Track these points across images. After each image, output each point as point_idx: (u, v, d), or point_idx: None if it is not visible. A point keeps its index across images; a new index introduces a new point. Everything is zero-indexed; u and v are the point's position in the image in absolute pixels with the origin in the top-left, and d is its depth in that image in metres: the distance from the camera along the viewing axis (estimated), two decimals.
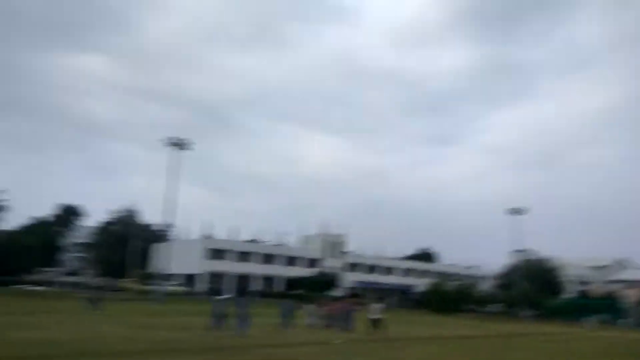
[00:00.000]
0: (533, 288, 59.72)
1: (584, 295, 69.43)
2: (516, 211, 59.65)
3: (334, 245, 74.10)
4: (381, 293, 69.40)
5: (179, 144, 49.23)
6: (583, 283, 79.25)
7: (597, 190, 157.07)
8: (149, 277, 59.02)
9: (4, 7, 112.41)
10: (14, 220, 76.18)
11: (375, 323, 20.84)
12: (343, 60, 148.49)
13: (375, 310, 21.62)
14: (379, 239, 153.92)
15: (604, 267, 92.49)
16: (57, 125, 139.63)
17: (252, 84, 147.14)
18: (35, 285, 47.34)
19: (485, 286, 71.70)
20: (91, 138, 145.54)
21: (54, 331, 15.13)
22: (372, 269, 77.63)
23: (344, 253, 75.04)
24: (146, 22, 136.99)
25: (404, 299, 73.12)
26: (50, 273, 59.35)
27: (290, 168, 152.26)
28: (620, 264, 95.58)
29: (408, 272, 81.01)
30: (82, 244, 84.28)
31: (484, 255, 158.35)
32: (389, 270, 79.35)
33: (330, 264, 71.43)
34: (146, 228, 75.53)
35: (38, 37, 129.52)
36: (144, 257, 67.92)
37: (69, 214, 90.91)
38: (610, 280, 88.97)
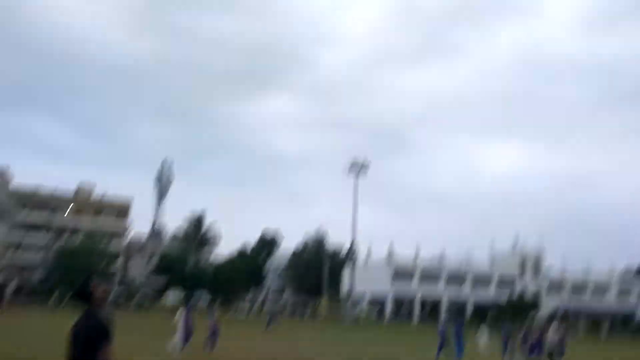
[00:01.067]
0: None
1: None
2: None
3: (531, 262, 67.06)
4: (592, 318, 60.10)
5: (358, 168, 51.27)
6: None
7: None
8: (339, 301, 61.80)
9: (207, 67, 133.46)
10: (225, 248, 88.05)
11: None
12: (524, 56, 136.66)
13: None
14: (584, 255, 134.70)
15: None
16: (253, 162, 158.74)
17: (425, 99, 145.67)
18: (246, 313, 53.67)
19: None
20: (282, 170, 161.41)
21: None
22: (578, 289, 67.79)
23: (542, 271, 67.39)
24: (320, 56, 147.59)
25: (623, 325, 61.68)
26: (255, 295, 66.85)
27: (471, 182, 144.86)
28: None
29: (627, 292, 68.56)
30: (281, 268, 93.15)
31: None
32: (600, 291, 68.32)
33: (527, 284, 64.72)
34: (335, 252, 79.84)
35: (228, 85, 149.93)
36: (333, 280, 71.63)
37: (269, 242, 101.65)
38: None
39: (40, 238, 63.11)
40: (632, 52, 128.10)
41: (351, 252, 60.11)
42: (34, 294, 49.08)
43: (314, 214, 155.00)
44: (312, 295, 69.09)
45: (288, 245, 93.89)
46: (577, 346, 34.65)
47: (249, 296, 67.22)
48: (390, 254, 68.67)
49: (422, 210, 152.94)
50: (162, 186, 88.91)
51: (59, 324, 14.86)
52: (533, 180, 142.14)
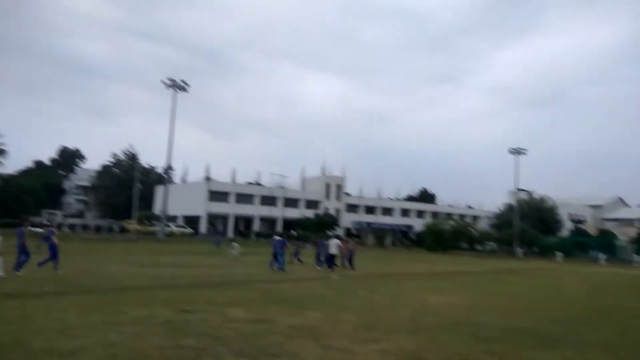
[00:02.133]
0: (529, 226, 60.84)
1: (579, 233, 70.81)
2: (516, 151, 59.73)
3: (334, 187, 74.78)
4: (380, 233, 71.04)
5: (176, 86, 48.63)
6: (579, 222, 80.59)
7: (598, 130, 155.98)
8: (151, 219, 60.16)
9: None
10: (13, 164, 76.25)
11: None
12: None
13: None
14: (378, 181, 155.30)
15: (600, 206, 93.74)
16: (52, 66, 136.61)
17: (250, 22, 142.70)
18: (38, 227, 48.23)
19: (483, 225, 73.00)
20: (87, 79, 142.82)
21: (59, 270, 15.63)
22: (371, 210, 78.78)
23: (343, 195, 75.90)
24: None
25: (402, 238, 74.82)
26: (53, 215, 60.44)
27: (288, 109, 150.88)
28: (617, 203, 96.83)
29: (407, 212, 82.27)
30: (83, 186, 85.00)
31: (483, 195, 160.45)
32: (388, 211, 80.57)
33: (330, 206, 72.48)
34: (147, 171, 76.11)
35: None
36: (145, 199, 68.83)
37: (69, 157, 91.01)
38: (606, 218, 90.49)
39: None
40: (437, 3, 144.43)
41: (166, 172, 58.28)
42: None
43: (125, 130, 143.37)
44: (122, 215, 65.67)
45: (93, 163, 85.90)
46: (368, 253, 40.77)
47: (44, 216, 60.39)
48: (206, 176, 68.74)
49: (240, 134, 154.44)
50: None
51: None
52: (343, 114, 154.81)
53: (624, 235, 65.57)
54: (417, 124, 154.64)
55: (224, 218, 65.72)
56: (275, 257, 19.81)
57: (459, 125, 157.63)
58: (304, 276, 17.96)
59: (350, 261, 22.77)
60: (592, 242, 59.89)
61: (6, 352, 5.70)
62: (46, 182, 70.38)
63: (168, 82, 48.46)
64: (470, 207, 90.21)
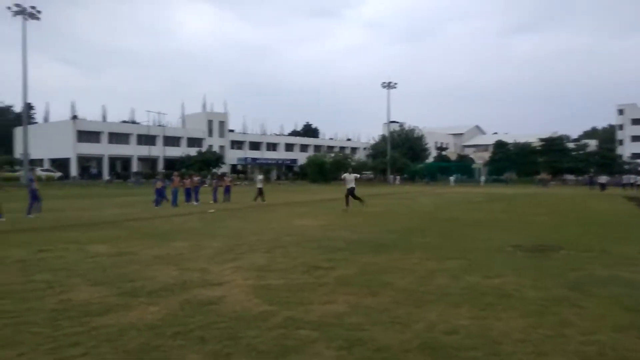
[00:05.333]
0: (400, 155, 66.08)
1: (442, 159, 78.64)
2: (388, 85, 63.26)
3: (218, 123, 73.25)
4: (266, 168, 72.09)
5: (25, 13, 42.73)
6: (442, 149, 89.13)
7: (460, 64, 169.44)
8: (12, 164, 54.36)
9: None
10: None
11: (260, 192, 23.65)
12: None
13: (259, 181, 24.57)
14: (262, 117, 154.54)
15: (461, 134, 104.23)
16: None
17: None
18: None
19: (361, 156, 77.54)
20: None
21: None
22: (256, 146, 79.08)
23: (227, 131, 74.86)
24: None
25: (288, 172, 76.85)
26: None
27: (161, 41, 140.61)
28: (475, 131, 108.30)
29: (291, 147, 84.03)
30: None
31: (361, 128, 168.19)
32: (273, 147, 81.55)
33: (214, 143, 71.27)
34: (2, 110, 67.40)
35: None
36: (3, 142, 61.50)
37: None
38: (465, 145, 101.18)
39: None
40: None
41: (25, 110, 52.21)
42: None
43: None
44: None
45: None
46: (251, 187, 41.46)
47: None
48: (72, 114, 62.95)
49: (108, 67, 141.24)
50: None
51: None
52: (223, 46, 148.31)
53: (480, 159, 74.39)
54: (298, 59, 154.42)
55: (97, 159, 61.57)
56: (161, 195, 20.25)
57: (338, 60, 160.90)
58: (179, 212, 18.17)
59: (228, 195, 23.56)
60: (453, 167, 67.22)
61: None
62: None
63: (15, 8, 42.35)
64: (349, 140, 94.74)
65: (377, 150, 73.20)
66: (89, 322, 4.78)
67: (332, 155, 65.50)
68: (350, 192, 18.56)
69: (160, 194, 20.50)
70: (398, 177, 60.89)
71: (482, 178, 57.85)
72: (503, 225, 13.73)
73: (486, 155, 73.38)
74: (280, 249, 9.28)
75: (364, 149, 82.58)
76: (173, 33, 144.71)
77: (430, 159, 78.02)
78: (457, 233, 11.85)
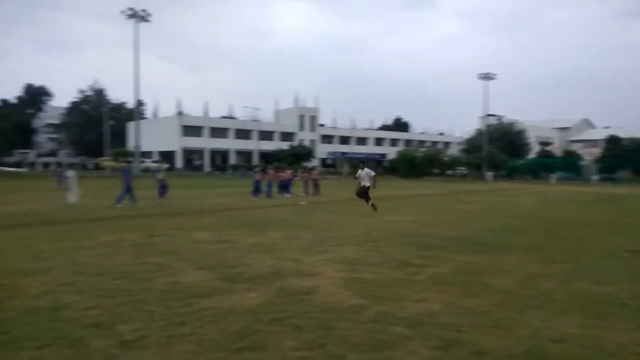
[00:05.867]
0: (498, 150, 62.70)
1: (545, 155, 73.33)
2: (486, 77, 60.20)
3: (309, 118, 74.76)
4: (354, 162, 72.29)
5: (138, 16, 46.65)
6: (546, 144, 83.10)
7: (566, 53, 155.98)
8: (124, 155, 59.84)
9: None
10: None
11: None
12: None
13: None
14: (352, 111, 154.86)
15: (567, 128, 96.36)
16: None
17: None
18: (11, 167, 47.74)
19: (454, 151, 74.82)
20: (42, 11, 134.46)
21: (29, 205, 16.10)
22: (345, 140, 79.54)
23: (318, 126, 76.12)
24: None
25: (377, 167, 76.46)
26: (25, 155, 59.54)
27: (259, 40, 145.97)
28: (583, 125, 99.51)
29: (381, 141, 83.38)
30: (54, 125, 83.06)
31: (455, 121, 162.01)
32: (362, 141, 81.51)
33: (305, 137, 72.86)
34: (117, 107, 74.44)
35: None
36: (118, 136, 67.95)
37: (35, 95, 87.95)
38: (572, 140, 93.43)
39: None
40: None
41: (137, 107, 57.15)
42: None
43: (90, 65, 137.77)
44: (95, 153, 65.02)
45: (61, 100, 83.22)
46: (340, 181, 41.93)
47: (17, 156, 59.39)
48: (178, 110, 67.77)
49: (210, 66, 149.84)
50: None
51: None
52: (315, 41, 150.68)
53: (589, 155, 68.31)
54: (390, 51, 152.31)
55: (199, 152, 65.76)
56: (257, 187, 21.15)
57: (432, 52, 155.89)
58: (273, 204, 18.83)
59: (316, 188, 23.96)
60: (558, 163, 62.35)
61: None
62: (15, 121, 68.44)
63: (128, 11, 46.45)
64: (442, 134, 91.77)
65: (472, 145, 70.20)
66: (195, 303, 5.12)
67: (424, 150, 63.95)
68: (364, 191, 15.45)
69: (257, 186, 21.39)
70: (491, 174, 57.91)
71: (595, 177, 52.94)
72: (618, 227, 12.48)
73: (596, 151, 67.25)
74: (370, 243, 9.25)
75: (458, 143, 79.59)
76: (269, 31, 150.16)
77: (532, 155, 73.20)
78: (564, 234, 10.99)
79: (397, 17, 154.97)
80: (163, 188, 18.42)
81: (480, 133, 70.54)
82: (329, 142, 77.18)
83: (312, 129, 74.84)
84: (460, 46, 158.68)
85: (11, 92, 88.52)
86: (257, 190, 21.34)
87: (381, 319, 4.71)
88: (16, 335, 4.10)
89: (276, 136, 71.27)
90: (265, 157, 65.36)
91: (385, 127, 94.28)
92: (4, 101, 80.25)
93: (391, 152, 74.48)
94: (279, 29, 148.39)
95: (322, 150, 74.24)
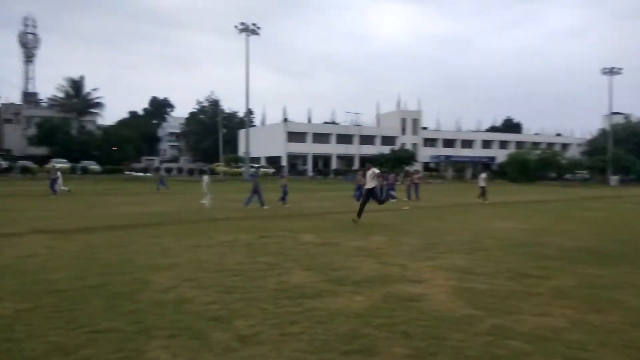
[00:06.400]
0: (625, 152, 56.37)
1: None
2: (610, 71, 54.41)
3: (410, 122, 73.49)
4: (460, 165, 69.54)
5: (249, 30, 49.42)
6: None
7: None
8: (237, 161, 63.69)
9: None
10: (110, 115, 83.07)
11: (483, 191, 23.02)
12: None
13: (482, 179, 23.49)
14: (458, 112, 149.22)
15: None
16: (134, 20, 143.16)
17: None
18: (139, 172, 53.06)
19: (574, 153, 68.68)
20: (166, 31, 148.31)
21: (157, 206, 17.76)
22: (450, 143, 76.86)
23: (420, 129, 74.50)
24: None
25: (484, 170, 72.78)
26: (151, 161, 65.96)
27: (361, 44, 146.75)
28: None
29: (489, 144, 79.25)
30: (175, 133, 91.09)
31: (574, 121, 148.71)
32: (468, 144, 78.15)
33: (407, 141, 71.70)
34: (230, 115, 79.69)
35: None
36: (230, 143, 72.62)
37: (159, 107, 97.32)
38: None
39: None
40: None
41: (247, 116, 60.57)
42: None
43: (203, 78, 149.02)
44: (211, 159, 70.06)
45: (181, 111, 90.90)
46: (444, 185, 40.57)
47: (143, 163, 66.02)
48: (283, 117, 70.63)
49: (313, 73, 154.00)
50: (27, 46, 78.04)
51: None
52: (419, 43, 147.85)
53: None
54: (497, 48, 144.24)
55: (303, 157, 67.83)
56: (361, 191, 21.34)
57: (545, 47, 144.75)
58: (376, 208, 18.76)
59: (417, 192, 23.41)
60: None
61: (116, 267, 7.09)
62: (142, 130, 76.21)
63: (240, 26, 49.39)
64: (559, 135, 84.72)
65: (595, 146, 63.87)
66: (303, 303, 5.26)
67: (538, 152, 59.48)
68: (372, 194, 13.67)
69: (360, 190, 21.44)
70: (617, 178, 52.03)
71: None
72: None
73: None
74: (481, 251, 8.81)
75: (578, 145, 72.88)
76: (371, 35, 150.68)
77: None
78: None
79: (505, 13, 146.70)
80: (285, 193, 19.06)
81: (604, 133, 63.95)
82: (432, 146, 75.16)
83: (415, 132, 73.44)
84: (578, 39, 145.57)
85: (139, 105, 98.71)
86: (363, 194, 21.29)
87: (497, 332, 4.44)
88: (148, 325, 4.52)
89: (377, 140, 71.05)
90: (366, 161, 65.43)
91: (494, 129, 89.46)
92: (133, 113, 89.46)
93: (500, 155, 70.43)
94: (380, 32, 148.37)
95: (425, 154, 72.50)
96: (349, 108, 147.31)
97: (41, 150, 58.61)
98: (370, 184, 13.43)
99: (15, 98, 65.81)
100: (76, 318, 4.66)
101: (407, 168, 55.49)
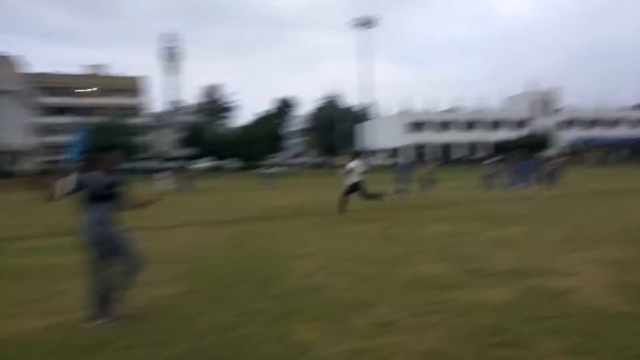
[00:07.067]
0: None
1: None
2: None
3: (544, 102, 67.52)
4: (603, 148, 62.21)
5: (364, 23, 49.63)
6: None
7: None
8: (358, 154, 64.47)
9: None
10: (244, 116, 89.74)
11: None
12: None
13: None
14: (600, 90, 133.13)
15: None
16: (257, 26, 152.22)
17: None
18: (269, 168, 56.30)
19: None
20: (286, 32, 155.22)
21: (289, 199, 18.78)
22: (592, 123, 69.02)
23: (556, 110, 68.07)
24: None
25: (632, 155, 64.09)
26: (279, 158, 69.88)
27: (483, 24, 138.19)
28: None
29: (639, 123, 69.58)
30: (299, 130, 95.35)
31: None
32: (614, 124, 69.45)
33: (541, 124, 66.05)
34: (350, 109, 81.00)
35: None
36: (351, 136, 73.74)
37: (285, 106, 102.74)
38: None
39: (66, 120, 65.45)
40: None
41: (366, 109, 60.92)
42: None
43: (325, 74, 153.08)
44: (332, 153, 71.91)
45: (304, 108, 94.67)
46: (587, 170, 36.80)
47: (272, 159, 70.15)
48: (404, 107, 69.57)
49: (433, 60, 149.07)
50: (172, 58, 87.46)
51: None
52: (549, 17, 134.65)
53: None
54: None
55: (423, 147, 66.32)
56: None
57: None
58: (510, 196, 17.68)
59: (556, 179, 21.40)
60: None
61: (261, 255, 7.70)
62: (270, 129, 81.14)
63: (359, 20, 49.78)
64: None
65: None
66: (439, 294, 5.21)
67: None
68: (355, 189, 12.59)
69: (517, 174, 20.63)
70: None
71: None
72: None
73: None
74: (635, 244, 7.84)
75: None
76: (494, 14, 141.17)
77: None
78: None
79: None
80: (430, 183, 18.89)
81: None
82: (570, 128, 68.19)
83: (548, 114, 67.31)
84: None
85: (265, 105, 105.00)
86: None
87: None
88: (292, 308, 4.86)
89: (506, 125, 66.55)
90: (495, 148, 61.72)
91: None
92: (263, 113, 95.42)
93: None
94: (504, 10, 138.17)
95: (562, 138, 66.09)
96: (473, 93, 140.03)
97: (188, 152, 65.62)
98: (355, 177, 12.63)
99: (166, 107, 74.84)
100: (232, 299, 5.20)
101: (541, 154, 51.22)
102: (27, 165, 48.12)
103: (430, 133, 65.29)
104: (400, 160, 46.65)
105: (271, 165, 56.39)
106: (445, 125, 66.27)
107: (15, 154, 51.66)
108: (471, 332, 4.10)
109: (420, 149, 66.66)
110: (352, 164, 12.76)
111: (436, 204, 15.54)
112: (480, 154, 59.75)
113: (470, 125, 65.16)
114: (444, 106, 72.61)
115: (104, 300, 4.50)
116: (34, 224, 12.74)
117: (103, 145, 51.50)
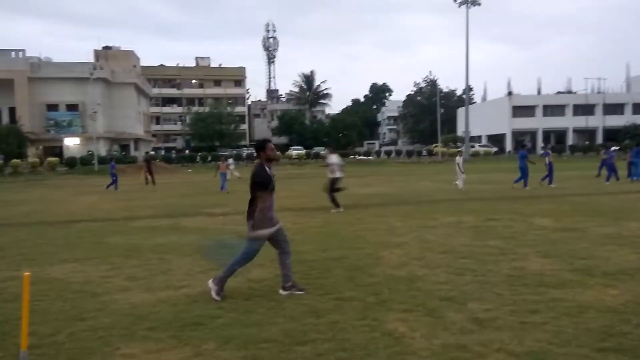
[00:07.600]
0: None
1: None
2: None
3: None
4: None
5: (468, 1, 47.14)
6: None
7: None
8: (455, 141, 61.98)
9: None
10: (337, 104, 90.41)
11: None
12: None
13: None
14: None
15: None
16: (354, 12, 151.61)
17: None
18: (362, 155, 56.30)
19: None
20: (383, 16, 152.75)
21: (380, 187, 18.63)
22: None
23: None
24: None
25: None
26: (372, 145, 69.52)
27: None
28: None
29: None
30: (393, 117, 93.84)
31: None
32: None
33: None
34: (448, 94, 77.95)
35: None
36: (449, 122, 71.01)
37: (378, 92, 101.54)
38: None
39: (175, 109, 71.05)
40: None
41: (466, 93, 58.14)
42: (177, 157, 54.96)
43: (423, 58, 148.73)
44: (429, 140, 69.89)
45: (399, 94, 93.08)
46: None
47: (366, 146, 69.94)
48: (508, 91, 65.39)
49: (543, 38, 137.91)
50: (269, 49, 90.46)
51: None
52: None
53: None
54: None
55: (531, 133, 61.88)
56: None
57: None
58: (630, 189, 15.92)
59: None
60: None
61: (351, 242, 7.70)
62: (363, 116, 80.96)
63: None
64: None
65: None
66: (544, 292, 4.82)
67: None
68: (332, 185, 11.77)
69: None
70: None
71: None
72: None
73: None
74: None
75: None
76: None
77: None
78: None
79: None
80: (550, 172, 17.86)
81: None
82: None
83: None
84: None
85: (361, 92, 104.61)
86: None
87: None
88: (384, 297, 4.80)
89: (628, 109, 59.76)
90: (614, 134, 55.85)
91: None
92: (356, 100, 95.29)
93: None
94: None
95: None
96: (589, 74, 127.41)
97: (282, 140, 67.70)
98: (335, 173, 11.72)
99: (261, 96, 78.06)
100: (323, 285, 5.26)
101: None
102: (145, 152, 52.83)
103: (538, 118, 60.65)
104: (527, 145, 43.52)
105: (363, 153, 56.39)
106: (557, 109, 61.08)
107: (136, 142, 57.01)
108: (579, 335, 3.75)
109: (525, 135, 62.39)
110: (333, 159, 12.06)
111: (540, 195, 14.47)
112: (598, 141, 54.49)
113: (586, 109, 59.43)
114: (555, 88, 67.01)
115: (226, 279, 4.93)
116: (148, 206, 13.98)
117: (205, 133, 54.69)
